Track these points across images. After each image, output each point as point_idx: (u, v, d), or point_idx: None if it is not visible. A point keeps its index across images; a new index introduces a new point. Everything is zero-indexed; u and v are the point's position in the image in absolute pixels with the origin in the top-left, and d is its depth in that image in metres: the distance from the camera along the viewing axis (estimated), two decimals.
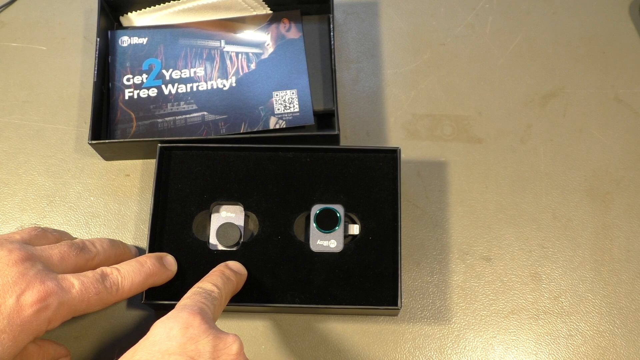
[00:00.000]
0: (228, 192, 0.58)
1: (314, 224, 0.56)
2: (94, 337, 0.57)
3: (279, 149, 0.58)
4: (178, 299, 0.50)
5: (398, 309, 0.54)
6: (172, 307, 0.51)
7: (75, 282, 0.47)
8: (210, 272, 0.53)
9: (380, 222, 0.57)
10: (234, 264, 0.54)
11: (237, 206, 0.58)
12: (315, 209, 0.57)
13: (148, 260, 0.52)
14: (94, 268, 0.50)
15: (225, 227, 0.57)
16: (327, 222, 0.56)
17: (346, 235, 0.57)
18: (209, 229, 0.58)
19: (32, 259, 0.47)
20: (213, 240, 0.58)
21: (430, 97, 0.66)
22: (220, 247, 0.57)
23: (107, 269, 0.50)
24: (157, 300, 0.54)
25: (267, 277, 0.55)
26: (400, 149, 0.58)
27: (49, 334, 0.48)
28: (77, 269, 0.50)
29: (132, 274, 0.50)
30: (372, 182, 0.58)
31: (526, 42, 0.68)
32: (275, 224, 0.57)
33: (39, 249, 0.48)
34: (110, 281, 0.49)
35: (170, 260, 0.54)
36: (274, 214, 0.57)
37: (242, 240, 0.57)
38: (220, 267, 0.53)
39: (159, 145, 0.58)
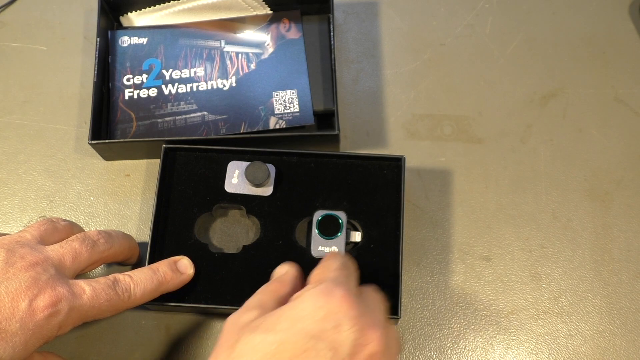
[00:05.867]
0: (231, 195, 0.58)
1: (316, 230, 0.56)
2: (94, 338, 0.57)
3: (283, 153, 0.58)
4: (179, 301, 0.50)
5: (398, 318, 0.54)
6: (171, 308, 0.51)
7: (87, 288, 0.47)
8: (321, 262, 0.48)
9: (383, 230, 0.56)
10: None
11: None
12: (318, 215, 0.56)
13: (161, 268, 0.52)
14: (108, 259, 0.52)
15: (254, 166, 0.56)
16: (329, 229, 0.56)
17: (348, 242, 0.56)
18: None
19: (44, 262, 0.47)
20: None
21: (430, 97, 0.66)
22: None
23: (119, 276, 0.50)
24: (157, 301, 0.54)
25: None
26: (404, 158, 0.57)
27: (58, 339, 0.48)
28: (92, 264, 0.51)
29: (144, 281, 0.50)
30: (375, 190, 0.58)
31: (526, 42, 0.68)
32: (277, 228, 0.57)
33: (50, 250, 0.48)
34: (122, 287, 0.49)
35: (185, 263, 0.54)
36: (276, 219, 0.57)
37: (270, 180, 0.57)
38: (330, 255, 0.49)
39: (164, 145, 0.58)
